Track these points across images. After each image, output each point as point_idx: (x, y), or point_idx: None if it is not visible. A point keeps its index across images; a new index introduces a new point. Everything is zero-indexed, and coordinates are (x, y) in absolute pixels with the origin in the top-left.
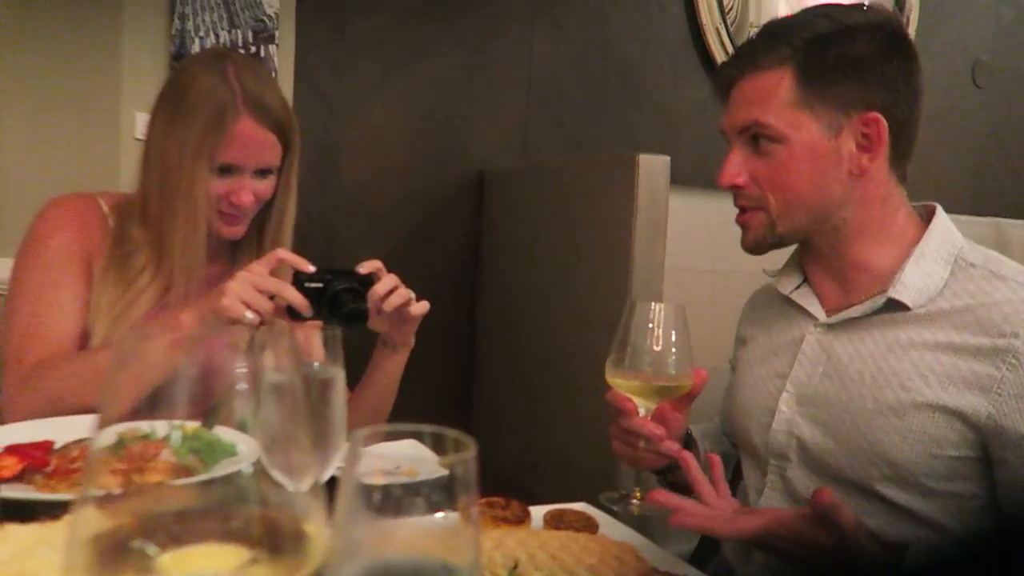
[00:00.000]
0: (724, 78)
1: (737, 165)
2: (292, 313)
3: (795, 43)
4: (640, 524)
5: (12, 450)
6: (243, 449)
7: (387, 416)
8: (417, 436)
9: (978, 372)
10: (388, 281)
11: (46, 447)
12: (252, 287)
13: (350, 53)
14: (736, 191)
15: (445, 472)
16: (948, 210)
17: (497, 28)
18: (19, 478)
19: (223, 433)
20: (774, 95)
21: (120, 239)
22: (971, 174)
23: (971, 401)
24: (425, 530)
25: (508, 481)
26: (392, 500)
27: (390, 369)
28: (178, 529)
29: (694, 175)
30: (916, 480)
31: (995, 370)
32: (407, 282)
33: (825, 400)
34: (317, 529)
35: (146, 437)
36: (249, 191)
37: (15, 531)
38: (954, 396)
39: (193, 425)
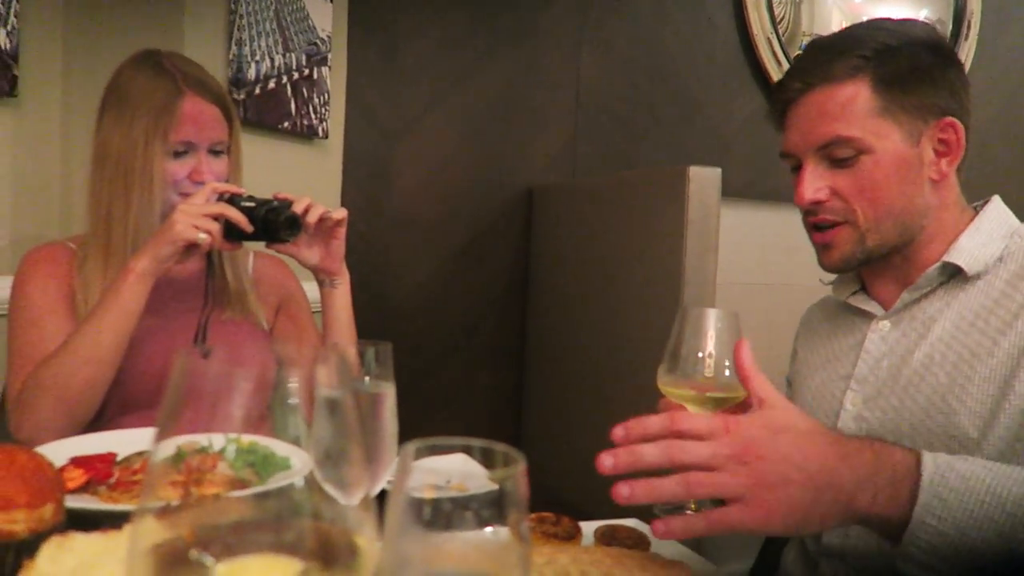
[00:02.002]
0: (786, 93)
1: (816, 181)
2: (233, 235)
3: (866, 53)
4: (694, 538)
5: (77, 462)
6: (296, 463)
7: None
8: (467, 450)
9: None
10: (302, 200)
11: (109, 459)
12: (198, 212)
13: (400, 74)
14: (817, 208)
15: (495, 487)
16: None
17: (545, 47)
18: (84, 489)
19: (277, 447)
20: (853, 106)
21: (83, 264)
22: None
23: None
24: (475, 545)
25: (559, 497)
26: (442, 514)
27: (338, 308)
28: (233, 540)
29: (745, 188)
30: (991, 445)
31: None
32: (458, 297)
33: (893, 389)
34: (368, 542)
35: (203, 450)
36: (209, 167)
37: (80, 541)
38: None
39: (248, 439)
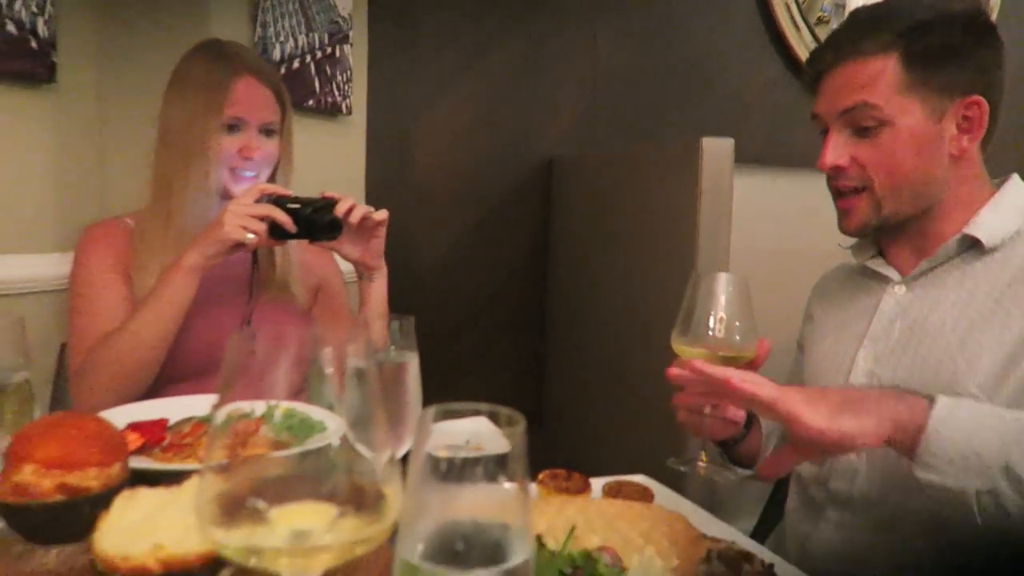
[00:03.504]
0: (820, 63)
1: (839, 147)
2: (277, 233)
3: (898, 29)
4: (705, 492)
5: (133, 427)
6: (331, 426)
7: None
8: (475, 413)
9: None
10: (347, 201)
11: (162, 424)
12: (245, 214)
13: (420, 49)
14: (837, 173)
15: (509, 447)
16: None
17: (562, 20)
18: (139, 451)
19: (313, 413)
20: (880, 80)
21: (141, 238)
22: None
23: None
24: (485, 495)
25: (577, 457)
26: (456, 469)
27: (375, 299)
28: (282, 491)
29: (763, 155)
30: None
31: None
32: (479, 268)
33: (907, 349)
34: (394, 492)
35: (246, 416)
36: (259, 144)
37: (146, 494)
38: None
39: (287, 405)
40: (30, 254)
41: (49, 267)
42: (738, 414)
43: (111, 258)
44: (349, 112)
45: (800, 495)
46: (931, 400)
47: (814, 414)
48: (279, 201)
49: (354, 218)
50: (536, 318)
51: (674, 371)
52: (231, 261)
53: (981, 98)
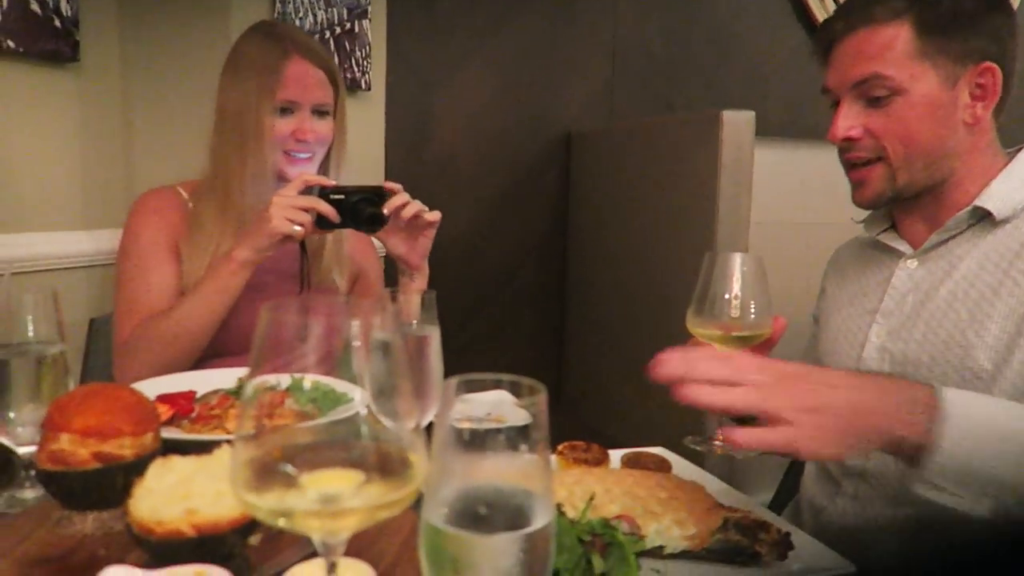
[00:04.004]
0: (830, 33)
1: (851, 118)
2: (322, 223)
3: None
4: (725, 466)
5: (163, 399)
6: (356, 398)
7: None
8: (497, 384)
9: None
10: (401, 196)
11: (190, 396)
12: (290, 206)
13: (438, 23)
14: (850, 144)
15: (530, 419)
16: None
17: None
18: (169, 422)
19: (337, 385)
20: (892, 48)
21: (197, 215)
22: None
23: None
24: (506, 462)
25: (597, 430)
26: (479, 438)
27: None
28: (311, 458)
29: (785, 127)
30: (1008, 380)
31: None
32: (498, 242)
33: (918, 323)
34: (419, 459)
35: (272, 388)
36: (311, 125)
37: (178, 462)
38: None
39: (312, 378)
40: (59, 231)
41: (77, 244)
42: None
43: (164, 231)
44: (368, 88)
45: (816, 468)
46: (936, 416)
47: (815, 448)
48: (323, 191)
49: (406, 214)
50: (556, 291)
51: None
52: (281, 251)
53: (995, 65)
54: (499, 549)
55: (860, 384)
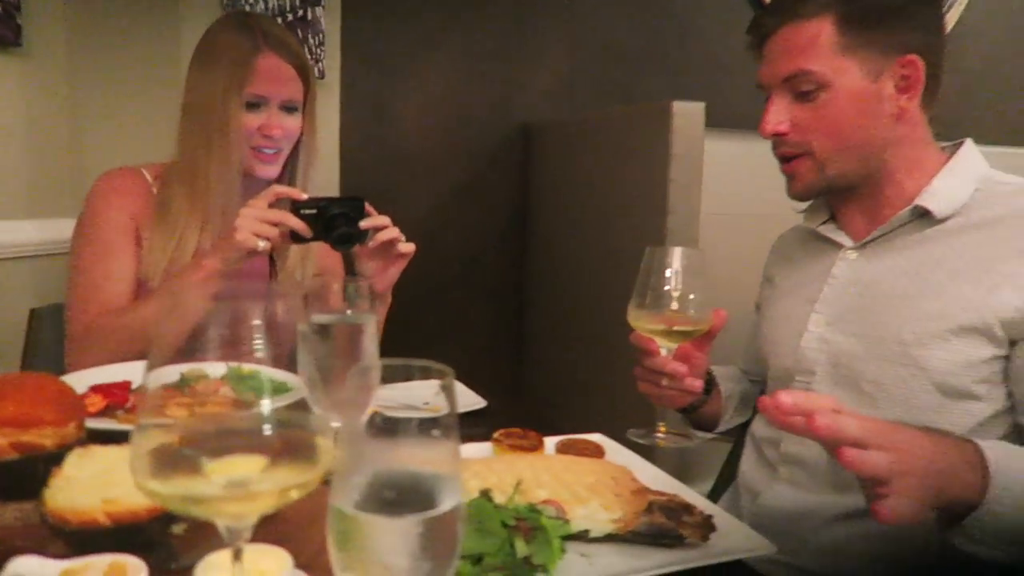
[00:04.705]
0: (761, 29)
1: (779, 113)
2: (295, 237)
3: None
4: (676, 455)
5: (97, 389)
6: (294, 386)
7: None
8: (407, 369)
9: (1009, 274)
10: (380, 218)
11: (125, 387)
12: (257, 220)
13: (396, 12)
14: (779, 139)
15: (481, 405)
16: (1021, 143)
17: None
18: (104, 413)
19: (276, 374)
20: (816, 43)
21: (163, 202)
22: None
23: (1003, 300)
24: (417, 448)
25: (553, 421)
26: (390, 424)
27: None
28: (217, 444)
29: (743, 119)
30: (945, 382)
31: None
32: (457, 232)
33: (858, 315)
34: (326, 441)
35: (207, 377)
36: (279, 122)
37: (99, 452)
38: (987, 300)
39: (250, 367)
40: (2, 220)
41: (22, 233)
42: (695, 384)
43: (126, 214)
44: (322, 76)
45: (755, 454)
46: (986, 477)
47: (910, 513)
48: (295, 205)
49: (382, 237)
50: (514, 281)
51: (787, 401)
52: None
53: (917, 57)
54: (404, 531)
55: (935, 445)
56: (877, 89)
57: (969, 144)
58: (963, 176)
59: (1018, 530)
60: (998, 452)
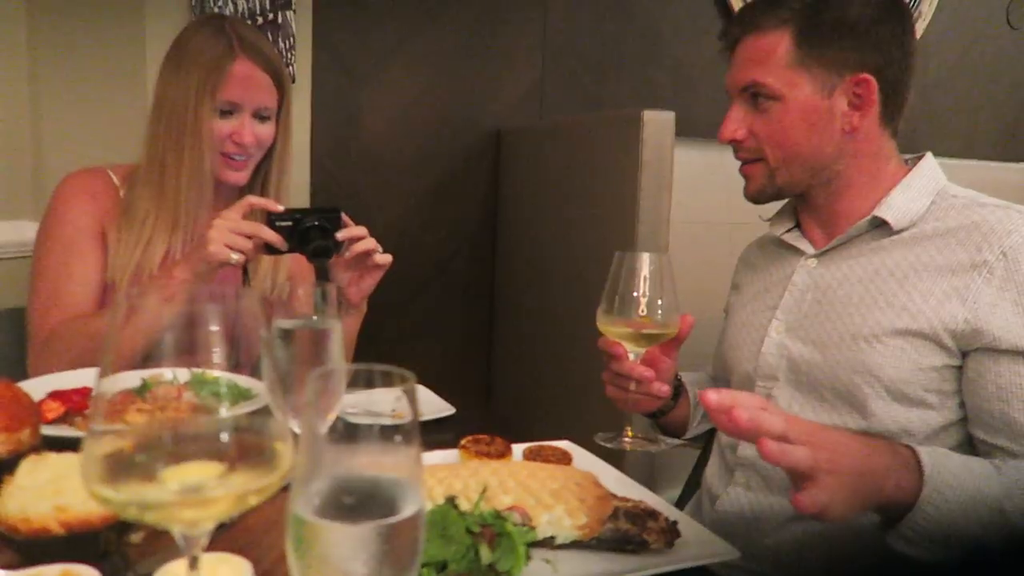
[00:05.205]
0: (729, 38)
1: (737, 121)
2: (269, 249)
3: (795, 6)
4: (645, 461)
5: (56, 395)
6: (258, 392)
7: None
8: (368, 374)
9: (958, 286)
10: (357, 229)
11: (84, 393)
12: (231, 232)
13: (367, 16)
14: (736, 145)
15: (450, 412)
16: (981, 156)
17: None
18: (62, 420)
19: (240, 380)
20: (773, 56)
21: (130, 205)
22: (1005, 119)
23: (951, 311)
24: (378, 453)
25: (523, 426)
26: (350, 429)
27: (344, 332)
28: (173, 450)
29: (712, 128)
30: (897, 388)
31: (972, 283)
32: (428, 236)
33: (814, 321)
34: (285, 447)
35: (169, 382)
36: (251, 130)
37: (54, 459)
38: (936, 309)
39: (214, 373)
40: None
41: None
42: (663, 389)
43: (92, 215)
44: (293, 80)
45: (718, 459)
46: (920, 481)
47: (839, 511)
48: (270, 216)
49: (358, 248)
50: (486, 286)
51: (712, 398)
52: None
53: (871, 76)
54: (362, 538)
55: (868, 447)
56: (829, 105)
57: (928, 158)
58: (920, 189)
59: (950, 532)
60: (935, 457)
